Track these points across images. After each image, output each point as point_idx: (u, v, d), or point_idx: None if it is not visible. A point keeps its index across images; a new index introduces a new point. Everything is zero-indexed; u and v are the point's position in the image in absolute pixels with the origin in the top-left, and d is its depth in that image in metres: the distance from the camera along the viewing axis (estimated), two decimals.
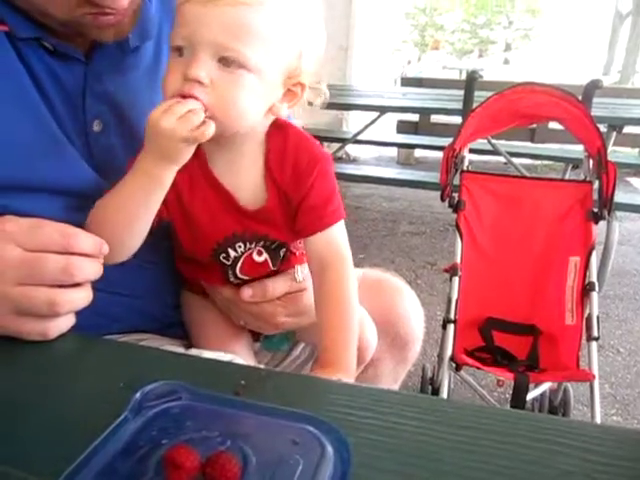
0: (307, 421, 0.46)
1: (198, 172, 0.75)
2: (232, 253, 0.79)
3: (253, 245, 0.79)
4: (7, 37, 0.71)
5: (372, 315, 0.92)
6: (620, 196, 2.89)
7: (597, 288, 1.58)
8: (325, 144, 3.91)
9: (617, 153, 4.13)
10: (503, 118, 1.75)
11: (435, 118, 4.76)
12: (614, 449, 0.49)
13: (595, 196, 1.66)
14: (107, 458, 0.43)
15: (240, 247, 0.79)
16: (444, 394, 1.55)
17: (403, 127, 5.06)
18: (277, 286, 0.83)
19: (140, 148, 0.69)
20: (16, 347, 0.63)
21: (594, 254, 1.61)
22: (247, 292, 0.82)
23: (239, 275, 0.82)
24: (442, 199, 1.70)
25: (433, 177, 3.34)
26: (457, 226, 1.69)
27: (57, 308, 0.62)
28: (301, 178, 0.74)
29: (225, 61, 0.66)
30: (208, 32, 0.65)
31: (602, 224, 1.72)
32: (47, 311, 0.62)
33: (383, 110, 3.23)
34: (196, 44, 0.65)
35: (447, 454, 0.47)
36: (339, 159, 4.73)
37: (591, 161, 1.69)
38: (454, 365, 1.56)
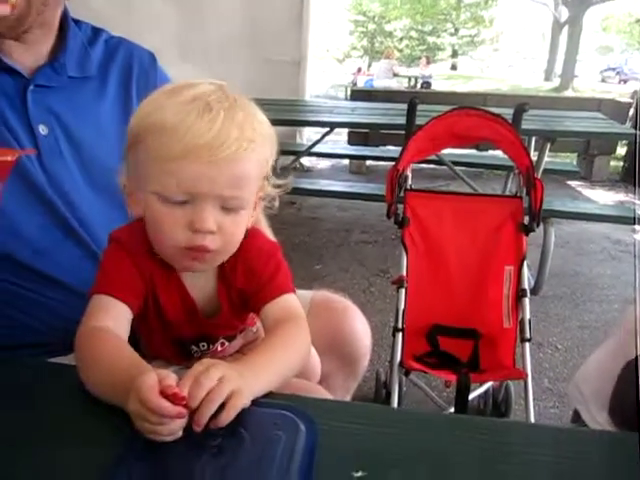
0: (284, 409, 0.64)
1: (172, 280, 0.81)
2: (195, 348, 0.88)
3: (215, 343, 0.88)
4: None
5: (321, 334, 0.99)
6: (556, 203, 3.11)
7: (528, 294, 1.74)
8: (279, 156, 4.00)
9: (554, 162, 4.36)
10: (441, 140, 1.90)
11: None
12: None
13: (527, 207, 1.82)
14: None
15: (204, 346, 0.88)
16: (395, 397, 1.67)
17: (354, 138, 5.22)
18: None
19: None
20: None
21: (525, 263, 1.77)
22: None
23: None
24: (388, 217, 1.83)
25: (383, 189, 3.48)
26: (402, 241, 1.83)
27: None
28: (255, 273, 0.81)
29: (228, 208, 0.72)
30: (212, 187, 0.69)
31: (541, 229, 1.88)
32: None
33: (333, 126, 3.37)
34: (200, 197, 0.70)
35: None
36: (293, 169, 4.83)
37: (521, 178, 1.86)
38: (404, 370, 1.69)
